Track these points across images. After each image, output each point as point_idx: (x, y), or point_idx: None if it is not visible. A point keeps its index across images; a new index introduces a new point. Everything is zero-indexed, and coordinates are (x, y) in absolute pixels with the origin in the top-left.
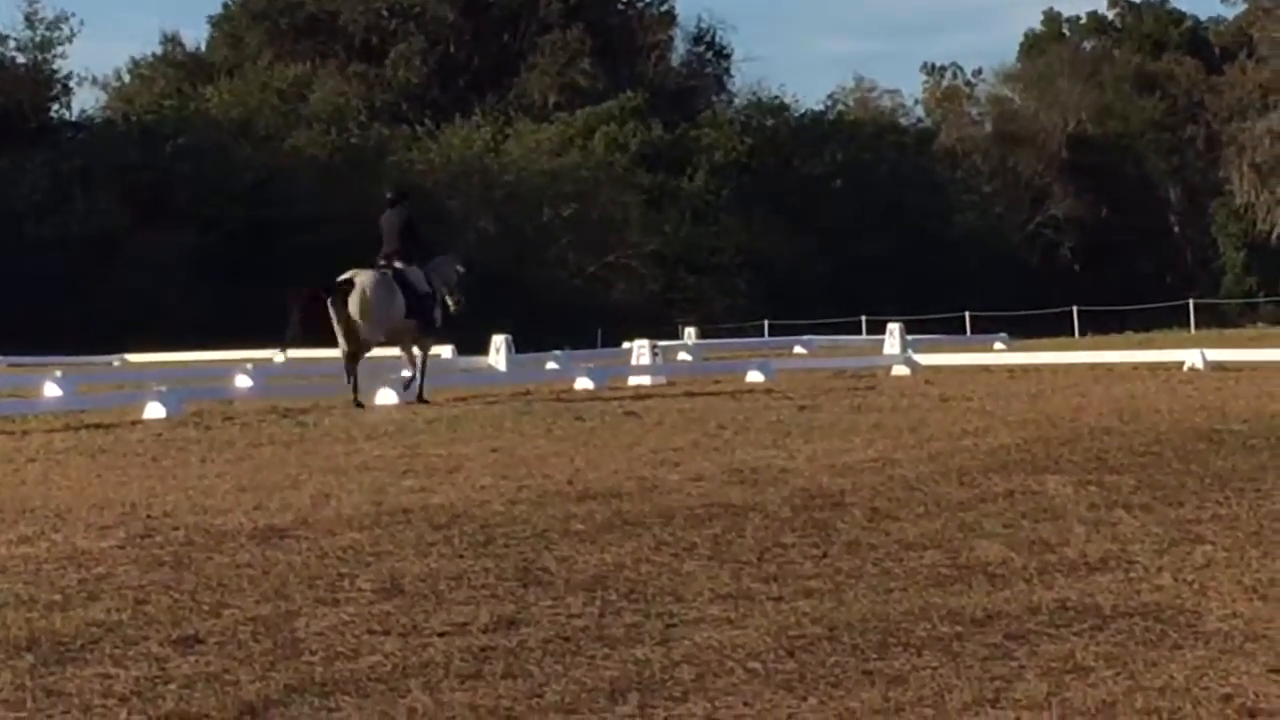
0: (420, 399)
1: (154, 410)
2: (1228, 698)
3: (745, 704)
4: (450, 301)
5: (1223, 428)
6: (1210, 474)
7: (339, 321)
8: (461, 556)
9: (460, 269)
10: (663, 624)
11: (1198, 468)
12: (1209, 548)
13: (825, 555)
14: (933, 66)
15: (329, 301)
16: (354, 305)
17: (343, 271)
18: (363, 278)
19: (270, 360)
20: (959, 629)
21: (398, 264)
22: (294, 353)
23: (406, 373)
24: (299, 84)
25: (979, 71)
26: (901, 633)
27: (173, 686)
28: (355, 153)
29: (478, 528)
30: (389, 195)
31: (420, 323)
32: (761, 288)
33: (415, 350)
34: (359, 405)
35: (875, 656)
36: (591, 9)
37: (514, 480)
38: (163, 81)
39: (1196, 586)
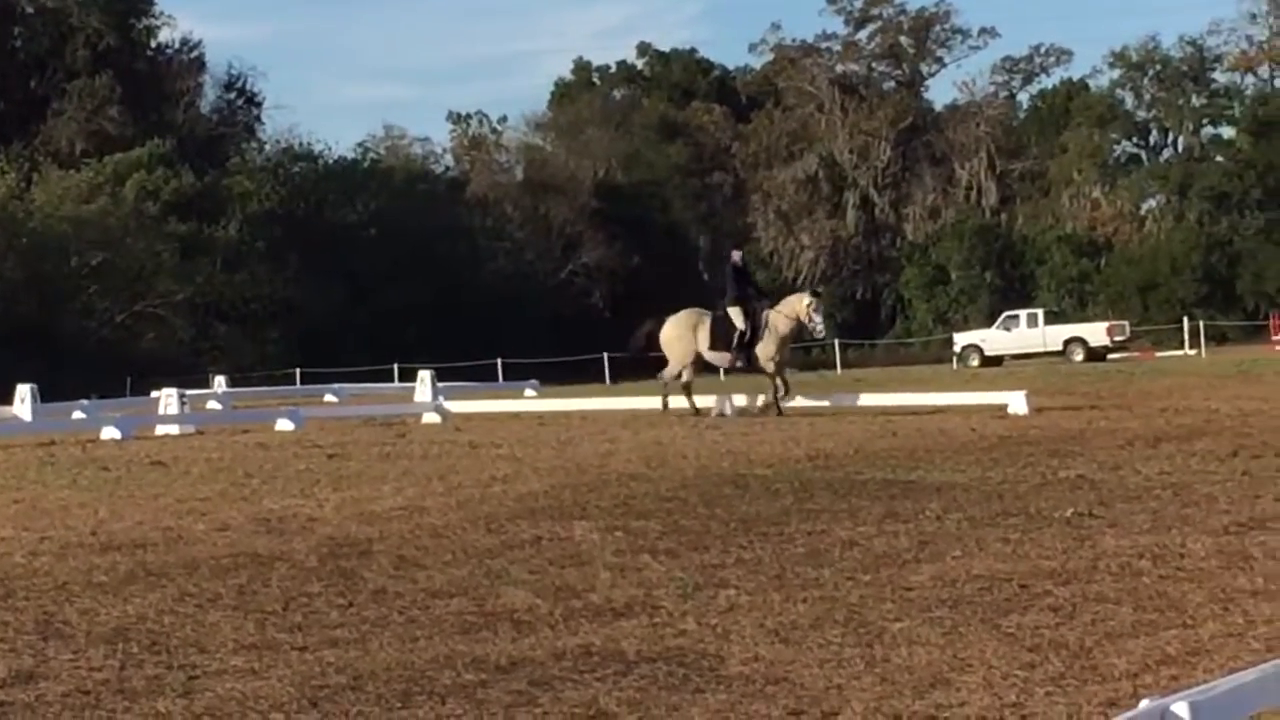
0: (778, 409)
1: None
2: None
3: None
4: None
5: (747, 473)
6: (735, 519)
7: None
8: None
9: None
10: (185, 675)
11: (723, 512)
12: (732, 592)
13: (351, 604)
14: (459, 115)
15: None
16: (662, 336)
17: None
18: (671, 318)
19: None
20: (484, 676)
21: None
22: None
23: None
24: None
25: (504, 119)
26: (426, 680)
27: None
28: None
29: None
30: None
31: (728, 352)
32: (294, 336)
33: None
34: (696, 412)
35: (399, 705)
36: (120, 55)
37: (36, 531)
38: None
39: (720, 630)
